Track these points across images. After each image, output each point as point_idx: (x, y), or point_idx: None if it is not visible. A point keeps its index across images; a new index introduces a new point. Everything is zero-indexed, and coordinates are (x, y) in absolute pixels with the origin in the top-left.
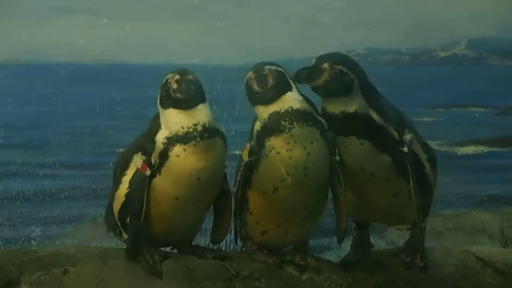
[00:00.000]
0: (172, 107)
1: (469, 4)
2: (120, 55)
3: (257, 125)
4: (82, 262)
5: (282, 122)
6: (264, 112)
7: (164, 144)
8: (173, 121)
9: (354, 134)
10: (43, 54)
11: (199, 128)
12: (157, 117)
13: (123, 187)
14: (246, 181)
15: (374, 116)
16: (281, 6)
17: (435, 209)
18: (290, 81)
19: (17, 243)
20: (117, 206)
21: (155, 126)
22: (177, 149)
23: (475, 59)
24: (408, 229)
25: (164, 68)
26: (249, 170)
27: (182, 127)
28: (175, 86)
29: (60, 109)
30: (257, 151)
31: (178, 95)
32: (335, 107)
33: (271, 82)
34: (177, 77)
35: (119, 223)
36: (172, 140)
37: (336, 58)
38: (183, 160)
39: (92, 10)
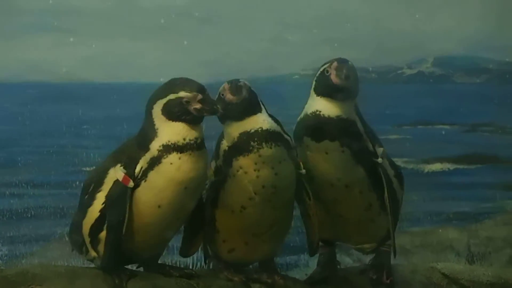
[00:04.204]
0: (183, 122)
1: (435, 22)
2: (87, 74)
3: (224, 145)
4: (48, 281)
5: (251, 143)
6: (234, 130)
7: (158, 151)
8: (177, 132)
9: (340, 140)
10: (10, 73)
11: (199, 140)
12: (149, 127)
13: (98, 203)
14: (213, 200)
15: (359, 125)
16: (247, 25)
17: (402, 226)
18: (260, 102)
19: None
20: (89, 222)
21: (150, 134)
22: (173, 157)
23: (441, 76)
24: (370, 251)
25: (130, 87)
26: (216, 189)
27: (184, 139)
28: (198, 106)
29: (27, 128)
30: (224, 170)
31: (205, 114)
32: (334, 111)
33: (245, 94)
34: (200, 97)
35: (88, 239)
36: (169, 148)
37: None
38: (176, 168)
39: (59, 28)
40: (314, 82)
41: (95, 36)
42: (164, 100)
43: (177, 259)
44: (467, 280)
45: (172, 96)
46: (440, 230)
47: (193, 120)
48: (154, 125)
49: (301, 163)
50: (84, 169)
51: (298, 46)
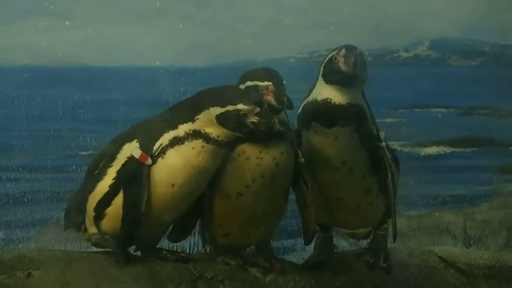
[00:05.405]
0: (228, 129)
1: (430, 4)
2: (83, 57)
3: None
4: (45, 266)
5: (263, 134)
6: None
7: (185, 133)
8: (215, 130)
9: (350, 126)
10: (5, 57)
11: (227, 141)
12: (188, 113)
13: (108, 178)
14: (210, 183)
15: (366, 110)
16: (243, 8)
17: (398, 210)
18: None
19: None
20: (96, 196)
21: (184, 118)
22: (197, 143)
23: (438, 59)
24: (363, 237)
25: (127, 71)
26: (214, 172)
27: (218, 136)
28: (255, 119)
29: (23, 112)
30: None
31: (262, 129)
32: (344, 98)
33: (286, 102)
34: (257, 110)
35: (92, 214)
36: (197, 135)
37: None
38: (196, 153)
39: (55, 12)
40: (322, 68)
41: (91, 20)
42: (222, 110)
43: (174, 243)
44: (463, 264)
45: (230, 108)
46: (437, 214)
47: (245, 132)
48: (196, 115)
49: (300, 152)
50: (81, 153)
51: (294, 29)
